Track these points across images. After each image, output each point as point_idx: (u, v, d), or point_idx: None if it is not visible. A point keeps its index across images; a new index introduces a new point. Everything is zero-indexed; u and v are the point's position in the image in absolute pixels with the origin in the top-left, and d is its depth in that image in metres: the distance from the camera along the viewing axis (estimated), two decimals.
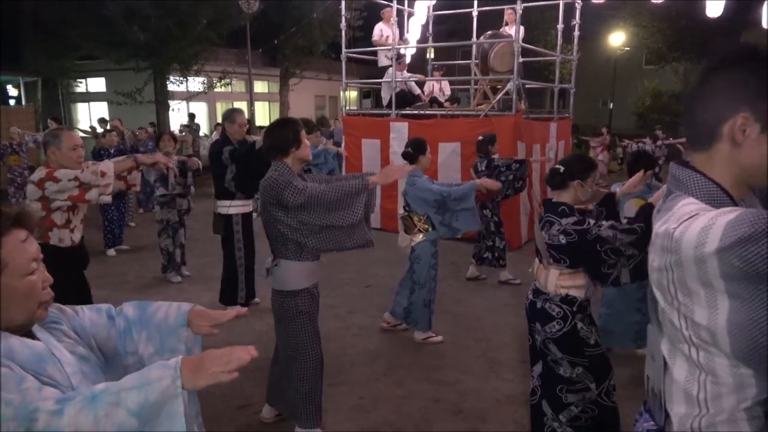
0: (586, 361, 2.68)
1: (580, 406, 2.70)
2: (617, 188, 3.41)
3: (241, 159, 4.65)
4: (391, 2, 9.30)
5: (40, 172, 3.07)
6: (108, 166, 3.14)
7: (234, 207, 4.87)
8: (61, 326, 1.28)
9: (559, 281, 2.66)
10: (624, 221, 3.22)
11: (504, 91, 7.84)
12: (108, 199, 3.19)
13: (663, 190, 1.23)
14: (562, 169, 2.72)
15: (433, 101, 8.99)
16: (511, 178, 5.54)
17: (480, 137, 5.90)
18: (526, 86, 8.57)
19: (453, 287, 5.88)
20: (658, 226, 1.08)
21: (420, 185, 4.20)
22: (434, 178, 7.43)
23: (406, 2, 9.93)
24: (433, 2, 10.19)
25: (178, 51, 14.25)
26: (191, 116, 15.66)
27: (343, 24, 8.99)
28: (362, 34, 16.07)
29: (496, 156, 5.80)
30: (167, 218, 5.92)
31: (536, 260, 2.85)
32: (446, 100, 9.38)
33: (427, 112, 8.42)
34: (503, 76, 7.95)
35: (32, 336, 1.18)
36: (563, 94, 10.71)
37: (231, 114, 4.90)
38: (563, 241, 2.53)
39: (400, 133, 8.12)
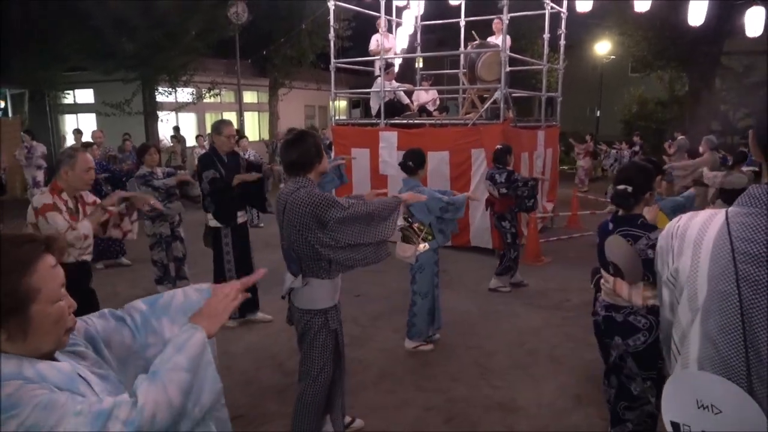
0: (655, 374, 2.69)
1: (636, 421, 2.76)
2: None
3: (219, 191, 4.63)
4: (386, 14, 9.36)
5: (42, 198, 3.09)
6: (87, 227, 3.10)
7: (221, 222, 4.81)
8: (78, 348, 1.28)
9: (645, 292, 2.63)
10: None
11: (492, 99, 7.91)
12: (88, 258, 3.20)
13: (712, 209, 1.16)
14: (630, 189, 2.64)
15: (422, 110, 9.05)
16: (525, 195, 5.64)
17: (498, 146, 5.93)
18: (514, 95, 8.65)
19: (443, 294, 5.88)
20: None
21: (427, 194, 4.23)
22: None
23: (394, 12, 10.01)
24: (421, 12, 10.28)
25: (167, 62, 14.24)
26: (176, 129, 15.61)
27: (331, 34, 9.04)
28: (351, 45, 16.17)
29: (511, 167, 5.87)
30: (159, 232, 5.85)
31: (605, 275, 2.78)
32: (435, 109, 9.45)
33: (415, 121, 8.47)
34: (491, 85, 8.03)
35: (55, 360, 1.19)
36: (550, 102, 10.82)
37: (218, 125, 4.86)
38: (651, 255, 2.46)
39: (389, 142, 8.15)
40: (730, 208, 1.12)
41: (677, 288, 1.17)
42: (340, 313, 3.00)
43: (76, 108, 19.12)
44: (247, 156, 6.21)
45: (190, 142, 17.28)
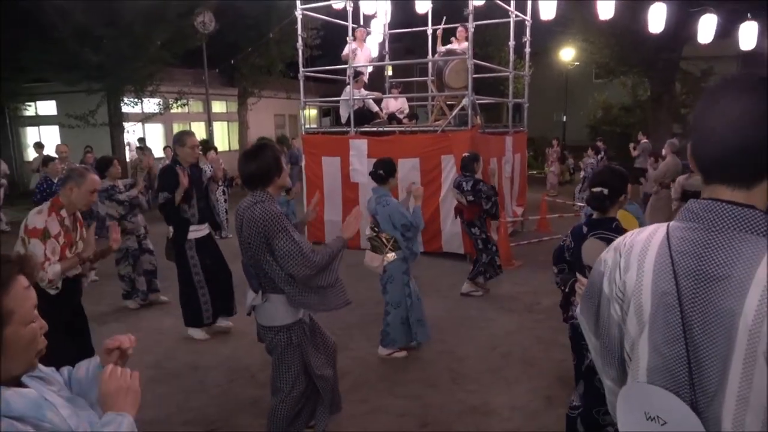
0: None
1: (615, 427, 2.71)
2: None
3: (170, 214, 4.65)
4: (354, 23, 9.39)
5: (36, 219, 3.02)
6: (56, 273, 3.02)
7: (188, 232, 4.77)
8: (44, 374, 1.26)
9: None
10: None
11: (459, 106, 8.01)
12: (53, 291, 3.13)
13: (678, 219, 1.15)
14: (606, 191, 2.68)
15: (392, 118, 9.10)
16: (489, 207, 5.74)
17: (465, 155, 6.01)
18: (481, 101, 8.78)
19: None
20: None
21: (393, 207, 4.25)
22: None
23: (362, 21, 10.06)
24: (389, 21, 10.36)
25: (132, 72, 13.99)
26: (141, 140, 15.29)
27: (299, 43, 9.04)
28: (320, 53, 16.17)
29: (479, 174, 5.98)
30: (126, 246, 5.74)
31: (580, 278, 2.76)
32: (404, 117, 9.51)
33: (385, 128, 8.52)
34: (458, 92, 8.13)
35: (22, 385, 1.16)
36: (518, 108, 11.02)
37: (181, 137, 4.76)
38: None
39: (359, 150, 8.18)
40: (671, 223, 1.14)
41: (625, 302, 1.18)
42: (315, 325, 2.97)
43: (38, 120, 18.63)
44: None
45: (158, 153, 17.01)
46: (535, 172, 16.30)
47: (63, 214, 3.14)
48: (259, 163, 2.65)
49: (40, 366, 1.27)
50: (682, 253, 1.07)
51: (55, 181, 7.14)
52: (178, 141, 4.73)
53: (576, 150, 14.74)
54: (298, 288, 2.65)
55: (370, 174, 4.44)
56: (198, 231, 4.83)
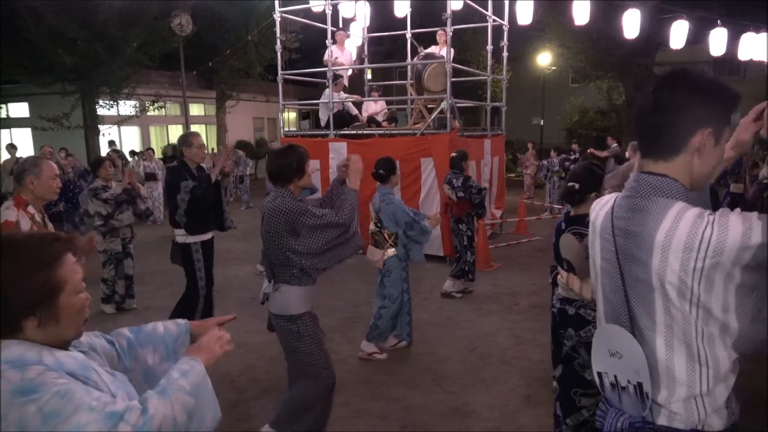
0: None
1: (592, 410, 2.82)
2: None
3: (200, 198, 4.38)
4: (333, 26, 9.39)
5: (6, 213, 2.92)
6: None
7: (193, 235, 4.59)
8: (84, 347, 1.40)
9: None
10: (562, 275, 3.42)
11: (438, 110, 8.07)
12: None
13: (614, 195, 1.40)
14: (577, 186, 2.87)
15: (371, 121, 9.12)
16: (477, 202, 5.88)
17: (453, 154, 6.16)
18: (460, 105, 8.84)
19: None
20: (667, 232, 1.20)
21: (397, 205, 4.35)
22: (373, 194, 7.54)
23: (341, 24, 10.07)
24: (368, 24, 10.39)
25: (108, 74, 13.76)
26: (110, 143, 14.95)
27: (278, 46, 9.01)
28: (299, 56, 16.12)
29: (468, 173, 6.13)
30: (110, 248, 5.63)
31: (560, 270, 2.97)
32: (384, 120, 9.54)
33: (365, 131, 8.53)
34: (437, 95, 8.18)
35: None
36: (496, 111, 11.13)
37: (187, 137, 4.60)
38: None
39: (338, 153, 8.17)
40: (619, 194, 1.38)
41: (590, 259, 1.45)
42: (317, 319, 3.02)
43: (9, 122, 18.20)
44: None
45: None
46: (513, 175, 16.48)
47: (30, 210, 3.02)
48: (282, 162, 2.84)
49: (82, 339, 1.41)
50: (618, 216, 1.32)
51: None
52: (185, 142, 4.56)
53: (559, 152, 14.92)
54: (317, 256, 2.78)
55: (372, 174, 4.50)
56: (204, 234, 4.68)
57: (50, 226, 3.19)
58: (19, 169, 3.11)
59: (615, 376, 1.35)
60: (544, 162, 13.13)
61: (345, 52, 9.38)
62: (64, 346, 1.27)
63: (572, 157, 14.34)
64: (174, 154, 14.99)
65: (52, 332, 1.22)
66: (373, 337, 4.52)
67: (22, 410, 1.08)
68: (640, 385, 1.28)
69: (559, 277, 3.00)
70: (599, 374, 1.41)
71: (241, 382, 4.05)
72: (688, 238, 1.16)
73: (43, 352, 1.19)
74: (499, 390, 3.94)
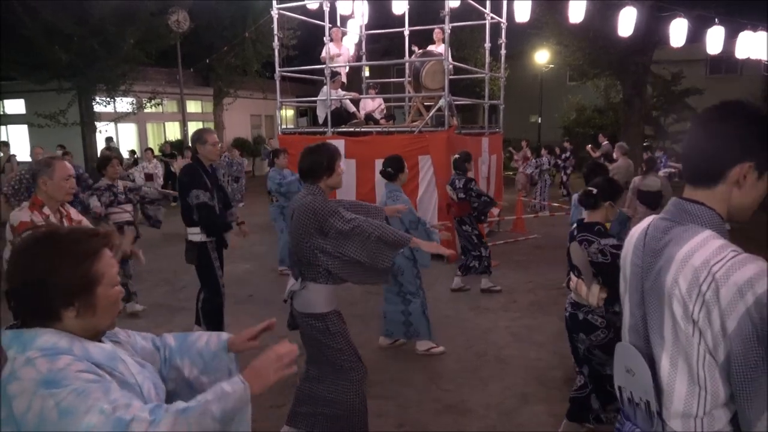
0: None
1: None
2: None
3: (207, 215, 4.26)
4: (330, 23, 9.38)
5: (19, 215, 2.90)
6: None
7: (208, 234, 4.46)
8: (119, 337, 1.45)
9: (600, 294, 2.85)
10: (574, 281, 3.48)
11: (436, 107, 8.06)
12: None
13: (649, 217, 1.43)
14: (595, 191, 2.96)
15: (369, 118, 9.11)
16: (476, 206, 5.94)
17: (456, 155, 6.20)
18: (458, 102, 8.84)
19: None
20: (686, 254, 1.22)
21: (403, 202, 4.32)
22: (372, 193, 7.54)
23: (338, 21, 10.05)
24: (366, 22, 10.37)
25: (104, 71, 13.70)
26: (108, 140, 14.89)
27: (275, 43, 8.99)
28: (296, 53, 16.09)
29: (471, 173, 6.21)
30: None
31: (572, 276, 3.05)
32: (381, 117, 9.53)
33: (362, 129, 8.52)
34: (435, 93, 8.17)
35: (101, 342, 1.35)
36: (494, 109, 11.12)
37: (201, 134, 4.43)
38: (600, 260, 2.80)
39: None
40: (656, 215, 1.41)
41: (621, 272, 1.48)
42: (342, 317, 3.02)
43: (6, 119, 18.13)
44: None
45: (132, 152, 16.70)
46: (510, 173, 16.48)
47: (46, 211, 2.99)
48: (313, 159, 2.84)
49: (117, 330, 1.45)
50: (651, 236, 1.36)
51: None
52: (199, 139, 4.40)
53: (555, 151, 14.96)
54: (345, 264, 2.77)
55: (381, 172, 4.54)
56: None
57: (69, 226, 3.11)
58: (33, 170, 3.16)
59: (631, 392, 1.39)
60: (534, 161, 13.18)
61: (342, 49, 9.36)
62: (98, 336, 1.33)
63: (564, 156, 14.39)
64: (172, 152, 14.96)
65: (89, 322, 1.28)
66: (412, 335, 4.53)
67: (43, 402, 1.12)
68: (648, 403, 1.31)
69: (571, 283, 3.10)
70: (619, 388, 1.45)
71: None
72: (702, 263, 1.18)
73: (75, 342, 1.24)
74: (495, 388, 3.95)
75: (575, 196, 4.61)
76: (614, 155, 8.55)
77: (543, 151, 13.71)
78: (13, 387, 1.15)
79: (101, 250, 1.30)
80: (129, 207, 5.57)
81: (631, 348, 1.36)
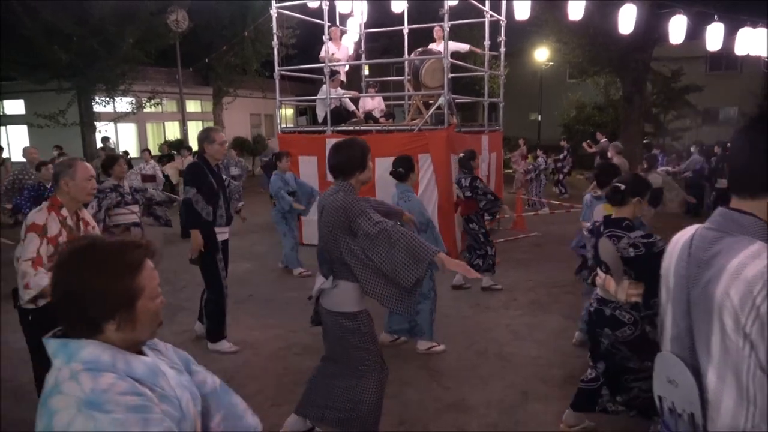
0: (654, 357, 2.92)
1: (644, 387, 2.99)
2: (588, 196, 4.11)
3: (192, 211, 4.28)
4: (329, 22, 9.36)
5: (36, 216, 2.86)
6: (39, 285, 2.78)
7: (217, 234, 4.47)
8: (157, 347, 1.44)
9: (629, 290, 2.85)
10: (590, 224, 3.65)
11: (436, 105, 8.06)
12: (24, 296, 2.88)
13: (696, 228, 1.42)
14: (623, 187, 2.97)
15: (368, 117, 9.11)
16: (484, 205, 5.96)
17: (461, 154, 6.22)
18: (458, 101, 8.84)
19: None
20: (738, 265, 1.21)
21: (414, 203, 4.37)
22: (372, 192, 7.54)
23: (338, 20, 10.04)
24: (365, 21, 10.36)
25: (104, 71, 13.71)
26: (104, 139, 14.81)
27: (275, 42, 8.98)
28: (296, 52, 16.09)
29: (478, 172, 6.29)
30: None
31: (599, 272, 3.06)
32: (381, 116, 9.53)
33: (362, 127, 8.51)
34: (434, 91, 8.17)
35: (142, 353, 1.34)
36: (493, 107, 11.11)
37: (208, 133, 4.40)
38: (631, 254, 2.80)
39: None
40: (700, 225, 1.41)
41: (662, 281, 1.48)
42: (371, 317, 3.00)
43: (6, 120, 18.14)
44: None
45: (133, 153, 16.70)
46: (510, 170, 16.49)
47: (64, 213, 2.95)
48: (344, 156, 2.80)
49: (155, 339, 1.45)
50: (696, 246, 1.36)
51: (48, 186, 6.67)
52: (206, 138, 4.36)
53: (552, 149, 14.96)
54: (370, 273, 2.70)
55: (391, 173, 4.52)
56: (223, 234, 4.57)
57: (85, 231, 3.06)
58: (55, 170, 3.06)
59: (672, 402, 1.37)
60: (532, 165, 13.19)
61: (341, 48, 9.35)
62: (138, 346, 1.33)
63: (562, 155, 14.40)
64: (169, 153, 14.92)
65: (129, 335, 1.27)
66: (415, 334, 4.54)
67: (85, 422, 1.12)
68: (692, 416, 1.30)
69: (597, 278, 3.11)
70: (659, 398, 1.44)
71: (238, 378, 4.05)
72: (755, 275, 1.17)
73: (117, 357, 1.24)
74: (496, 386, 3.95)
75: (588, 196, 4.63)
76: (609, 154, 8.61)
77: (539, 152, 13.72)
78: (56, 401, 1.15)
79: (143, 262, 1.29)
80: (135, 208, 5.47)
81: (674, 358, 1.36)
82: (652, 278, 2.80)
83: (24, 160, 8.24)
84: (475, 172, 6.13)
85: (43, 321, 2.80)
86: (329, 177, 8.86)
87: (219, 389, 1.58)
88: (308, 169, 8.45)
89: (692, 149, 12.36)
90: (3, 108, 18.06)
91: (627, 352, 2.99)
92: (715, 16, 9.55)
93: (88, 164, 3.08)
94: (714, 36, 9.66)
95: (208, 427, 1.54)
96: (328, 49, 8.78)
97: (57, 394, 1.16)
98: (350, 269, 2.75)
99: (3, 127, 18.06)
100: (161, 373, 1.32)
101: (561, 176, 14.47)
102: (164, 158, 13.79)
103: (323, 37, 8.89)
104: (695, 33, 9.94)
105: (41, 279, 2.78)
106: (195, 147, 17.09)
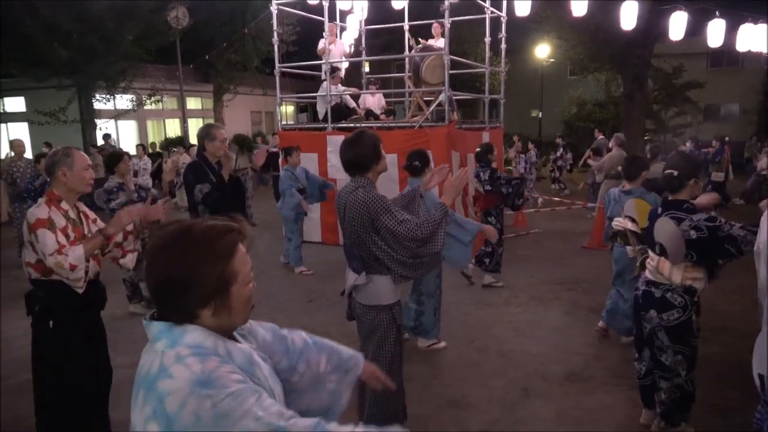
0: (688, 350, 2.97)
1: (667, 393, 3.02)
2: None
3: (214, 202, 4.12)
4: (330, 18, 9.33)
5: (37, 211, 2.70)
6: (79, 256, 2.67)
7: None
8: (242, 329, 1.43)
9: (685, 272, 2.87)
10: (623, 218, 3.76)
11: (436, 102, 8.04)
12: (80, 289, 2.73)
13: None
14: (675, 173, 2.93)
15: (369, 114, 9.09)
16: (510, 192, 5.89)
17: (478, 148, 6.20)
18: (458, 97, 8.81)
19: None
20: None
21: (429, 198, 4.22)
22: None
23: (338, 17, 10.01)
24: (365, 17, 10.33)
25: (104, 68, 13.69)
26: (105, 136, 14.79)
27: (275, 39, 8.96)
28: (296, 49, 16.08)
29: (494, 165, 6.19)
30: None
31: (651, 254, 3.05)
32: (382, 113, 9.51)
33: (363, 124, 8.49)
34: (435, 88, 8.15)
35: (236, 340, 1.33)
36: (494, 104, 11.08)
37: (209, 130, 4.29)
38: (694, 236, 2.76)
39: (336, 146, 8.02)
40: None
41: (761, 257, 1.43)
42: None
43: (6, 117, 18.12)
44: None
45: (132, 150, 16.68)
46: (511, 167, 16.47)
47: (64, 206, 2.79)
48: (358, 150, 2.75)
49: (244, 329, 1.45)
50: None
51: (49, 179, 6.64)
52: (207, 135, 4.25)
53: (552, 146, 14.95)
54: (402, 264, 2.74)
55: (405, 167, 4.47)
56: None
57: (87, 224, 2.92)
58: (49, 161, 2.85)
59: (761, 376, 1.35)
60: (523, 156, 13.19)
61: (338, 44, 9.31)
62: (231, 332, 1.32)
63: (559, 153, 14.38)
64: (159, 152, 14.84)
65: (224, 321, 1.26)
66: (419, 333, 4.53)
67: (199, 402, 1.11)
68: None
69: (648, 260, 3.09)
70: (760, 376, 1.41)
71: None
72: None
73: (218, 342, 1.24)
74: (497, 383, 3.95)
75: (615, 190, 4.56)
76: (610, 144, 8.69)
77: (530, 146, 13.72)
78: (166, 384, 1.15)
79: (236, 247, 1.26)
80: (141, 206, 5.45)
81: None
82: (713, 261, 2.82)
83: (12, 154, 8.18)
84: (492, 166, 6.09)
85: (65, 328, 2.75)
86: (330, 174, 8.88)
87: (309, 341, 1.62)
88: (309, 167, 8.42)
89: (687, 144, 12.38)
90: (3, 105, 18.05)
91: (665, 341, 2.97)
92: (717, 12, 9.52)
93: (83, 153, 2.94)
94: (715, 32, 9.62)
95: (318, 372, 1.60)
96: (325, 45, 8.76)
97: (166, 377, 1.15)
98: (382, 263, 2.77)
99: (4, 125, 18.05)
100: (256, 363, 1.32)
101: (558, 173, 14.45)
102: (152, 156, 13.51)
103: (323, 33, 8.86)
104: (696, 29, 9.92)
105: (76, 251, 2.67)
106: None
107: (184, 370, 1.15)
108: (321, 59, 8.69)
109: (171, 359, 1.18)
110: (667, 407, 3.05)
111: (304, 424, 1.18)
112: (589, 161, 10.75)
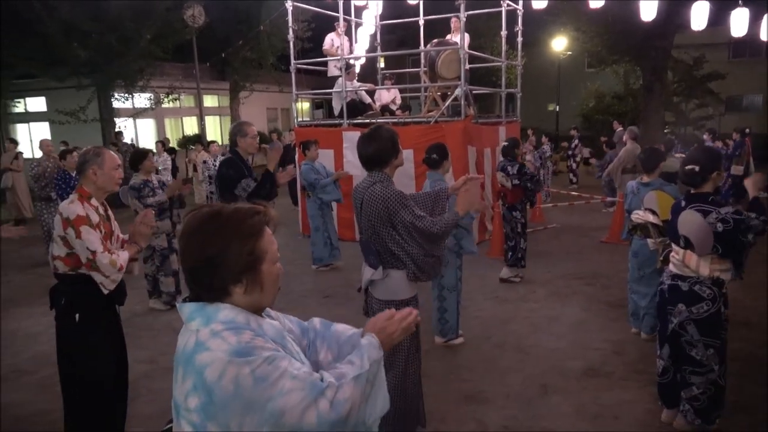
0: (718, 343, 2.94)
1: (701, 388, 2.97)
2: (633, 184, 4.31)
3: (267, 195, 4.15)
4: (344, 14, 9.33)
5: (73, 207, 2.74)
6: (124, 259, 2.81)
7: None
8: (271, 314, 1.49)
9: (712, 265, 2.85)
10: (643, 211, 3.78)
11: (452, 97, 7.99)
12: (109, 290, 2.81)
13: None
14: (697, 168, 2.90)
15: (385, 109, 9.07)
16: (533, 188, 6.04)
17: (504, 143, 6.29)
18: (474, 92, 8.76)
19: None
20: None
21: (453, 201, 4.26)
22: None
23: (353, 13, 10.00)
24: (380, 12, 10.30)
25: (122, 67, 13.85)
26: (117, 134, 14.83)
27: (290, 35, 8.98)
28: (311, 45, 16.08)
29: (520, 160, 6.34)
30: (155, 244, 5.45)
31: (675, 248, 3.03)
32: (397, 108, 9.48)
33: (378, 120, 8.48)
34: (451, 82, 8.11)
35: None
36: (511, 98, 11.00)
37: (241, 127, 4.31)
38: (720, 229, 2.75)
39: (352, 142, 8.14)
40: None
41: None
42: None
43: (28, 117, 18.46)
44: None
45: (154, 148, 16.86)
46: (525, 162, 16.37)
47: (94, 203, 2.83)
48: (376, 145, 2.75)
49: (268, 309, 1.48)
50: None
51: (74, 175, 6.62)
52: (239, 131, 4.26)
53: (569, 139, 14.77)
54: (415, 261, 2.77)
55: (424, 160, 4.46)
56: None
57: (112, 221, 2.97)
58: (81, 160, 2.90)
59: None
60: (537, 151, 13.05)
61: (343, 40, 9.28)
62: (260, 311, 1.38)
63: (574, 144, 14.20)
64: (173, 148, 14.97)
65: (255, 298, 1.33)
66: (446, 331, 4.52)
67: (238, 369, 1.17)
68: None
69: (672, 254, 3.06)
70: None
71: None
72: None
73: (250, 318, 1.30)
74: (514, 378, 3.93)
75: (633, 183, 4.51)
76: (624, 138, 8.67)
77: (544, 139, 13.56)
78: (204, 356, 1.20)
79: (263, 227, 1.34)
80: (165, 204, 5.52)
81: None
82: (738, 252, 2.79)
83: (41, 155, 8.35)
84: (518, 161, 6.14)
85: (89, 323, 2.79)
86: (346, 170, 8.83)
87: (324, 326, 1.66)
88: (325, 162, 8.45)
89: (705, 136, 12.16)
90: (26, 105, 18.37)
91: (694, 335, 2.94)
92: (740, 1, 9.30)
93: (114, 153, 3.00)
94: (738, 21, 9.39)
95: (318, 360, 1.61)
96: (333, 41, 8.75)
97: (204, 351, 1.21)
98: (399, 258, 2.77)
99: (26, 125, 18.39)
100: (287, 338, 1.39)
101: (574, 165, 14.30)
102: (168, 151, 13.55)
103: (338, 29, 8.86)
104: (718, 19, 9.71)
105: (123, 255, 2.82)
106: (218, 141, 17.21)
107: (221, 343, 1.21)
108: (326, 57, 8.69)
109: (206, 335, 1.24)
110: (702, 404, 2.99)
111: (339, 372, 1.29)
112: (591, 161, 10.65)
